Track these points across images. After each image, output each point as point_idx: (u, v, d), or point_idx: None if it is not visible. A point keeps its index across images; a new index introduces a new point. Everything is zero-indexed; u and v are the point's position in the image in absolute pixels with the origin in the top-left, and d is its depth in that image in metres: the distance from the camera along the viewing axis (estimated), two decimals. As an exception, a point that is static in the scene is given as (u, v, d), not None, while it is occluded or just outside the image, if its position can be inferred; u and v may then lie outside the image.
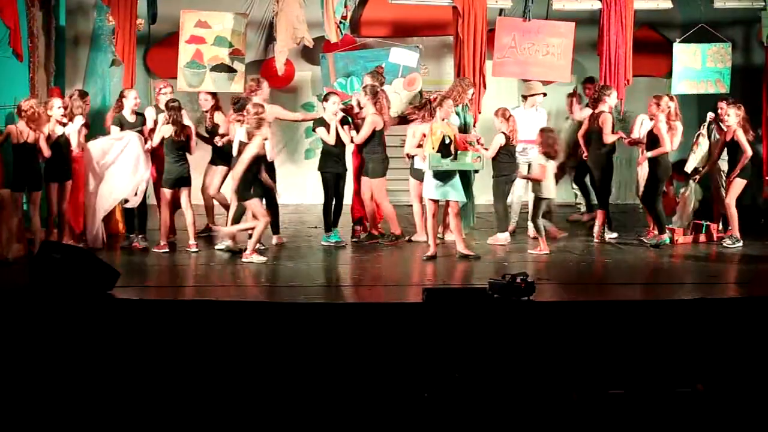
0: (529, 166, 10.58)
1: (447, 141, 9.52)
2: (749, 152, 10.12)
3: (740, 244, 10.18)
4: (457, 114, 10.42)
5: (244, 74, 12.02)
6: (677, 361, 7.24)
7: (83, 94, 10.34)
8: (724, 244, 10.26)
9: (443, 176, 9.61)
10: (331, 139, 10.25)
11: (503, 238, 10.52)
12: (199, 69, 11.81)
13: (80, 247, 9.38)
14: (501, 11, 12.07)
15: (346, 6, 11.87)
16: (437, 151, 9.49)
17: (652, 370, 7.13)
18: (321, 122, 10.39)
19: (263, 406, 6.79)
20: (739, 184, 10.20)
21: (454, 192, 9.68)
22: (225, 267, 9.45)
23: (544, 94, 11.26)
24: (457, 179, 9.68)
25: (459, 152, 9.58)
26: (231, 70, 11.90)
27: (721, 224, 10.79)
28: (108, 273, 8.00)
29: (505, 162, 10.36)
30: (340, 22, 11.83)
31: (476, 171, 10.23)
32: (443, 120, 9.71)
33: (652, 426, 6.44)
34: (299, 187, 13.53)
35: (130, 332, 7.38)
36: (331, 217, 10.45)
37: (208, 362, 7.18)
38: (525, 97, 11.29)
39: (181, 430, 6.56)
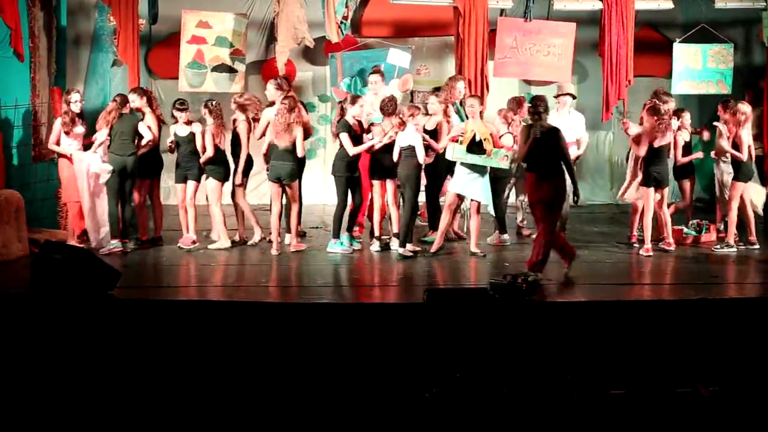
0: None
1: (477, 139, 9.54)
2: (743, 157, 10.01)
3: (733, 249, 9.99)
4: (457, 112, 10.43)
5: (244, 74, 12.04)
6: (677, 362, 7.24)
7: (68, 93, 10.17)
8: (714, 249, 10.07)
9: (472, 174, 9.62)
10: (350, 149, 9.75)
11: (504, 237, 10.52)
12: (200, 69, 11.84)
13: (81, 247, 9.38)
14: (502, 11, 12.08)
15: (347, 6, 11.88)
16: (466, 148, 9.52)
17: (653, 370, 7.13)
18: (345, 127, 9.81)
19: (265, 406, 6.79)
20: (738, 188, 10.10)
21: (480, 192, 9.71)
22: (225, 267, 9.45)
23: (573, 96, 11.03)
24: (486, 180, 9.71)
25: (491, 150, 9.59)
26: (232, 70, 11.94)
27: (722, 225, 10.75)
28: (109, 273, 8.00)
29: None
30: (341, 23, 11.83)
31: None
32: (472, 118, 9.74)
33: (652, 426, 6.45)
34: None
35: (130, 332, 7.39)
36: (340, 222, 9.98)
37: (208, 362, 7.19)
38: (557, 97, 11.02)
39: (182, 430, 6.56)
